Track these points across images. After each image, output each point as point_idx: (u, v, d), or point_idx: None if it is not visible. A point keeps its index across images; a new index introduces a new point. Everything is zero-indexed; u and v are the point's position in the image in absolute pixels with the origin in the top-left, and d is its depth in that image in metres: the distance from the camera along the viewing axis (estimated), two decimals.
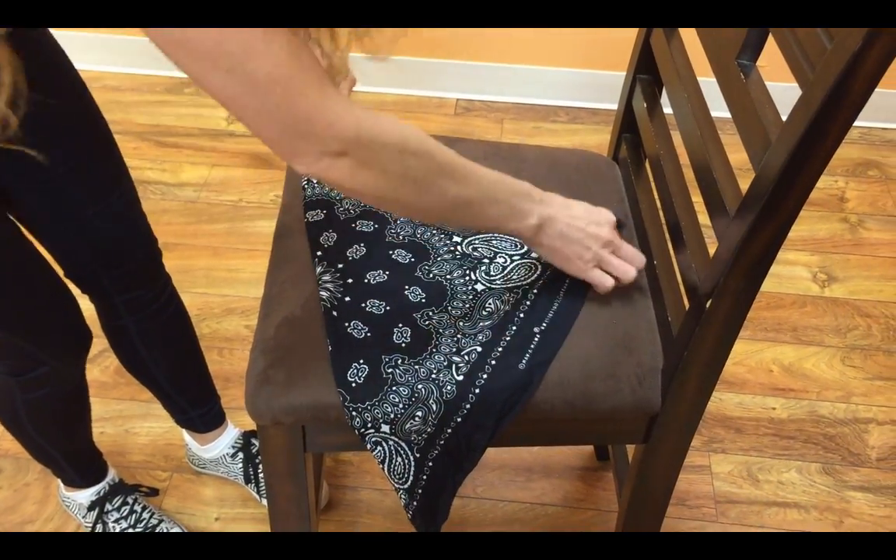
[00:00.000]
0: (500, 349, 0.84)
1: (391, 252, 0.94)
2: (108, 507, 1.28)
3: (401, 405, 0.81)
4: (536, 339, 0.86)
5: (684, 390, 0.86)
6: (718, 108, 0.85)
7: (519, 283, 0.91)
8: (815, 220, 1.93)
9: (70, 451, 1.22)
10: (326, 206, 0.99)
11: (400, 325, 0.86)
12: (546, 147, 1.10)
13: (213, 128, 2.13)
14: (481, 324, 0.87)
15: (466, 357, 0.83)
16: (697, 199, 0.87)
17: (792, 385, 1.58)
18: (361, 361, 0.83)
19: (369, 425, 0.81)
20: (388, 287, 0.90)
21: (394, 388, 0.81)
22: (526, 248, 0.94)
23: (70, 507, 1.31)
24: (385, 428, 0.81)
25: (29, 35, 0.85)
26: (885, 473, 1.45)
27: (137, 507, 1.30)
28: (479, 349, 0.84)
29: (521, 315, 0.87)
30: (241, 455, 1.36)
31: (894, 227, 1.92)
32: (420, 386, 0.81)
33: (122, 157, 1.03)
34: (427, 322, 0.86)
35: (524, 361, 0.84)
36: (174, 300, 1.18)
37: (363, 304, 0.88)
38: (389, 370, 0.82)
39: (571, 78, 2.21)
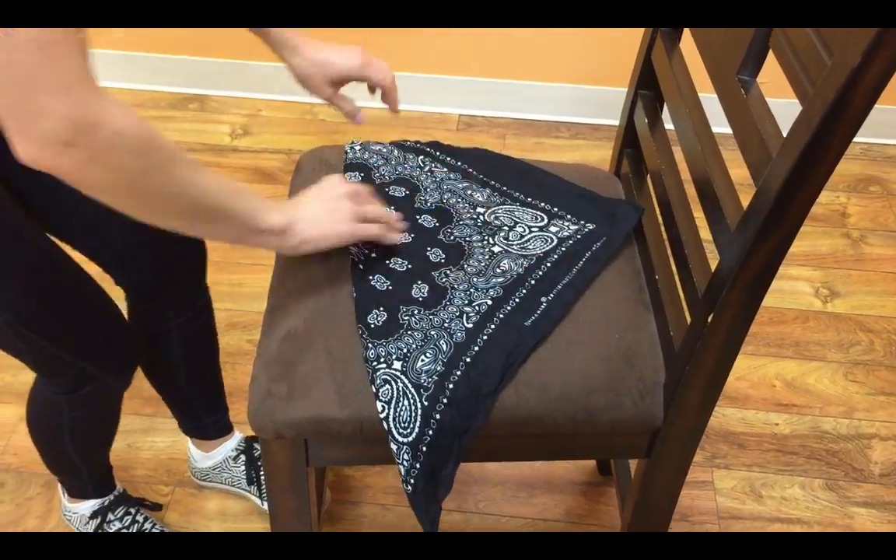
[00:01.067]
0: (508, 307, 0.89)
1: (418, 217, 1.00)
2: (111, 516, 1.29)
3: (414, 346, 0.85)
4: (543, 306, 0.89)
5: (686, 405, 0.86)
6: (719, 124, 0.86)
7: (534, 252, 0.95)
8: (817, 236, 1.93)
9: (95, 465, 1.24)
10: (364, 170, 1.05)
11: (419, 281, 0.92)
12: (549, 162, 1.10)
13: (217, 143, 2.14)
14: (494, 280, 0.91)
15: (477, 307, 0.88)
16: (699, 214, 0.88)
17: (795, 400, 1.58)
18: (381, 309, 0.88)
19: (382, 359, 0.84)
20: (411, 248, 0.96)
21: (409, 332, 0.86)
22: (545, 221, 0.99)
23: (72, 521, 1.31)
24: (397, 365, 0.84)
25: None
26: (888, 489, 1.45)
27: (139, 517, 1.31)
28: (490, 302, 0.89)
29: (533, 281, 0.92)
30: (242, 458, 1.37)
31: None
32: (433, 332, 0.86)
33: None
34: (444, 279, 0.92)
35: (530, 322, 0.88)
36: (209, 306, 1.21)
37: (387, 261, 0.93)
38: (406, 318, 0.87)
39: (573, 94, 2.21)
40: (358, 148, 1.08)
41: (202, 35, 2.20)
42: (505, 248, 0.96)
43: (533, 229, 0.98)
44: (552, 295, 0.90)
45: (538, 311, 0.89)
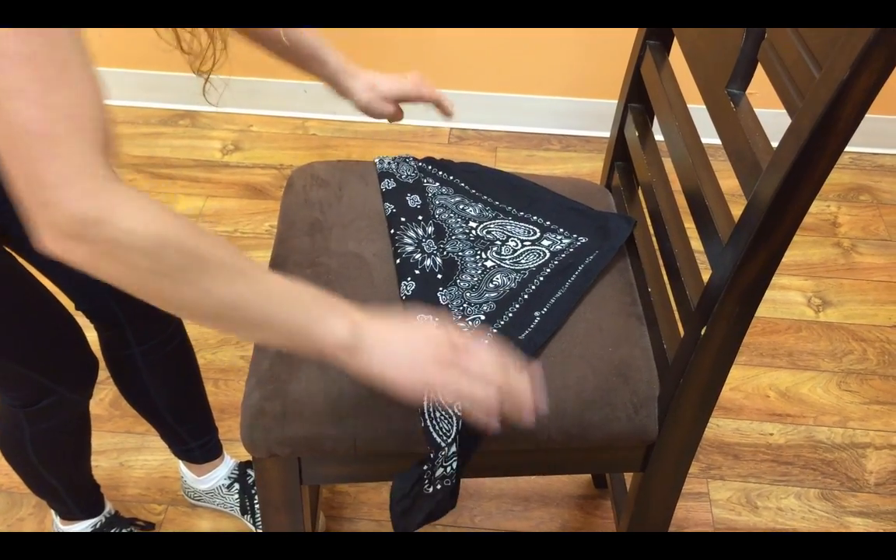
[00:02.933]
0: (501, 322, 0.88)
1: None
2: None
3: None
4: (536, 321, 0.89)
5: (681, 418, 0.86)
6: (709, 136, 0.86)
7: (527, 267, 0.95)
8: (809, 245, 1.94)
9: (72, 484, 1.22)
10: (395, 182, 1.07)
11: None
12: (539, 175, 1.10)
13: (208, 159, 2.14)
14: (487, 295, 0.91)
15: (470, 323, 0.88)
16: (690, 225, 0.88)
17: (789, 410, 1.58)
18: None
19: None
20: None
21: None
22: (537, 234, 0.99)
23: None
24: None
25: None
26: (883, 498, 1.45)
27: None
28: (483, 318, 0.89)
29: (526, 296, 0.91)
30: (236, 486, 1.36)
31: (887, 251, 1.93)
32: None
33: None
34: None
35: (523, 336, 0.87)
36: (181, 331, 1.18)
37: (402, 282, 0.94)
38: None
39: (564, 106, 2.22)
40: (394, 164, 1.09)
41: None
42: (497, 262, 0.96)
43: (525, 243, 0.98)
44: (545, 309, 0.90)
45: (531, 326, 0.88)
